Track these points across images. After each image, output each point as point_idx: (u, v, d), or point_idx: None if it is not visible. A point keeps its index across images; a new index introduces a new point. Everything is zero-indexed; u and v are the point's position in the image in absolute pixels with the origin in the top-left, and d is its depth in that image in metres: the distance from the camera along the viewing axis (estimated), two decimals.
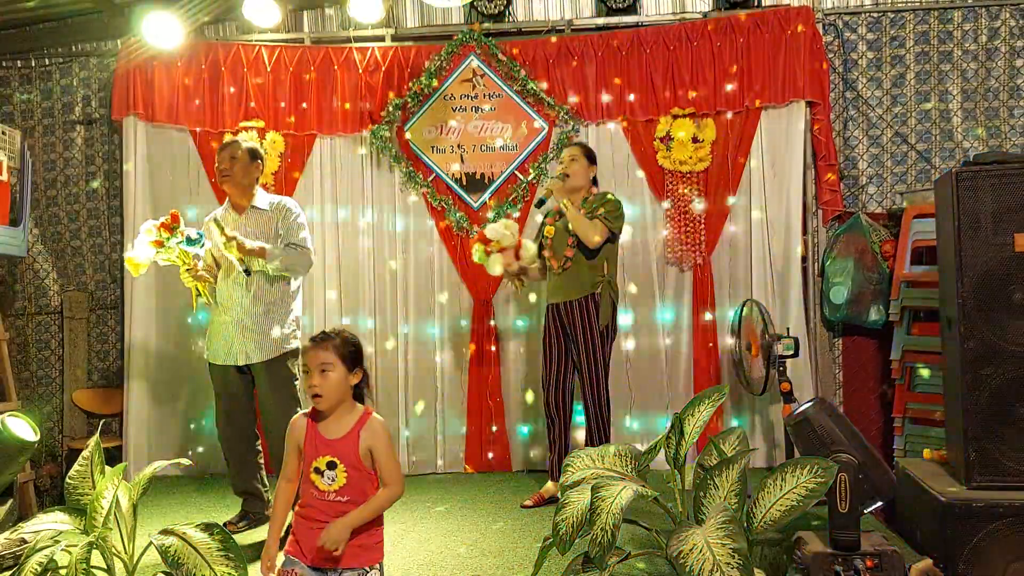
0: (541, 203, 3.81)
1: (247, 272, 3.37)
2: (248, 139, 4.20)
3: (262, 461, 3.66)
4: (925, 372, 4.12)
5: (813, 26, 4.41)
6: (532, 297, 4.57)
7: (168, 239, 3.27)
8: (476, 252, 3.80)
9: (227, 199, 3.58)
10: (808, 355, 4.38)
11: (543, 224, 3.87)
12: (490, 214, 4.57)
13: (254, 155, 3.55)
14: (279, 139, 4.64)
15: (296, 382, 3.55)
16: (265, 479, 3.66)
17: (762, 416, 4.45)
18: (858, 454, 2.61)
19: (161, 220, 3.30)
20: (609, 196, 3.72)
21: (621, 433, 4.45)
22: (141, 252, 3.31)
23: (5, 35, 4.85)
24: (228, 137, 4.56)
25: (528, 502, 3.78)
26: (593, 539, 2.10)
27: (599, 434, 3.70)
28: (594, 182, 3.84)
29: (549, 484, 3.81)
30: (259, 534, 3.48)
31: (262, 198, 3.56)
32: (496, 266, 3.74)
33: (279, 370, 3.47)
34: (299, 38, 4.79)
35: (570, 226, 3.65)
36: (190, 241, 3.30)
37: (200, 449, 4.68)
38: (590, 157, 3.81)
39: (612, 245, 3.75)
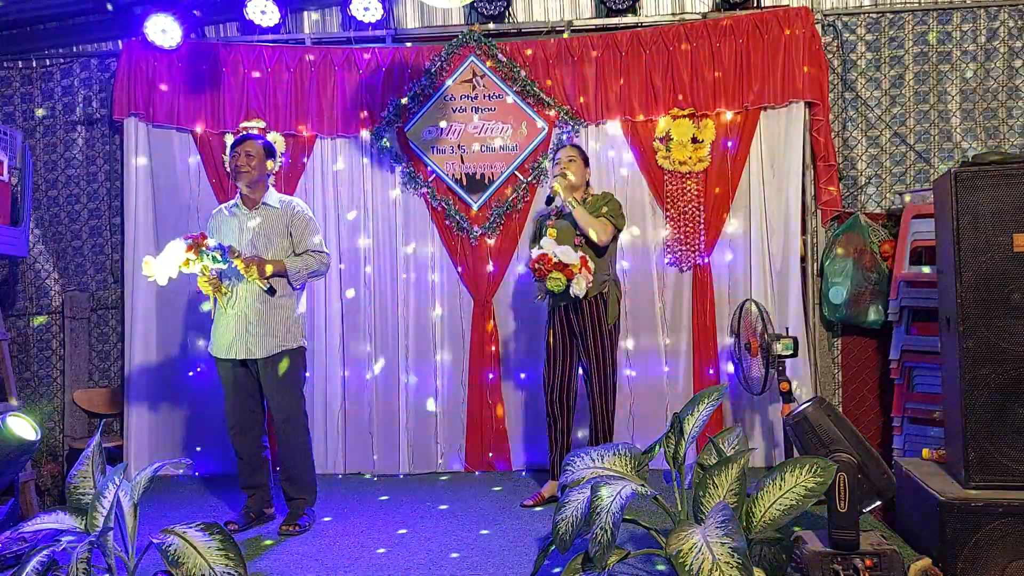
0: (550, 200, 3.78)
1: (271, 292, 3.43)
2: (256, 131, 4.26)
3: (269, 456, 3.69)
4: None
5: (812, 27, 4.41)
6: (532, 297, 4.58)
7: (195, 260, 3.31)
8: (558, 281, 3.53)
9: (237, 194, 3.63)
10: (807, 355, 4.39)
11: (543, 227, 3.87)
12: (490, 213, 4.59)
13: (269, 152, 3.62)
14: (279, 139, 4.65)
15: (302, 379, 3.58)
16: (269, 474, 3.69)
17: (761, 416, 4.46)
18: (857, 454, 2.61)
19: (189, 241, 3.31)
20: (611, 196, 3.80)
21: (620, 433, 4.45)
22: (163, 269, 3.34)
23: (6, 35, 4.86)
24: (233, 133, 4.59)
25: (528, 501, 3.79)
26: (593, 539, 2.11)
27: (604, 432, 3.72)
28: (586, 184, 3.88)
29: (550, 483, 3.82)
30: (260, 533, 3.49)
31: (273, 195, 3.62)
32: (583, 283, 3.56)
33: (281, 367, 3.49)
34: (300, 39, 4.80)
35: (578, 224, 3.66)
36: (214, 260, 3.35)
37: (200, 449, 4.68)
38: (585, 159, 3.87)
39: (614, 243, 3.80)
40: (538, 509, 3.73)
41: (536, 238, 3.92)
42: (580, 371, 3.82)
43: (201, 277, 3.40)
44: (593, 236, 3.63)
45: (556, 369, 3.78)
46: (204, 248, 3.29)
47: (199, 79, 4.67)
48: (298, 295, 3.59)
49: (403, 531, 3.50)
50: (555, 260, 3.54)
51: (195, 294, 4.64)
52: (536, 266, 3.58)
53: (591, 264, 3.61)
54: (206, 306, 4.54)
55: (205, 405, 4.68)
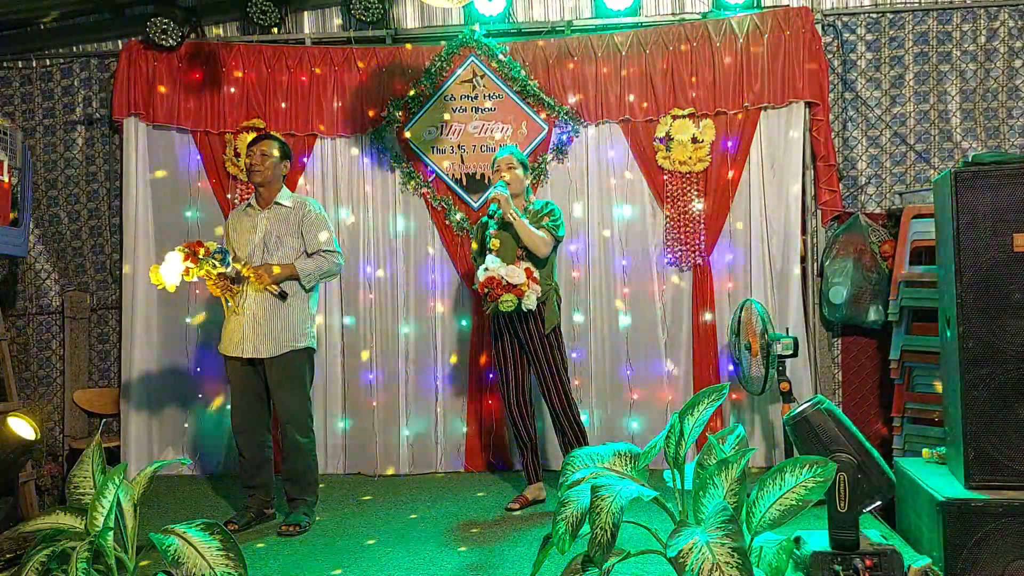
0: (493, 212, 3.80)
1: (283, 297, 3.45)
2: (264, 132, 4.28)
3: (272, 456, 3.69)
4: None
5: (812, 27, 4.42)
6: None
7: (194, 269, 3.35)
8: (509, 303, 3.53)
9: (253, 193, 3.66)
10: (807, 355, 4.39)
11: (487, 236, 3.84)
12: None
13: (285, 153, 3.66)
14: None
15: (309, 380, 3.59)
16: (271, 474, 3.69)
17: (762, 416, 4.46)
18: (857, 454, 2.61)
19: (185, 250, 3.35)
20: (551, 205, 3.79)
21: (621, 433, 4.46)
22: (168, 277, 3.37)
23: (6, 35, 4.86)
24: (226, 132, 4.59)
25: (513, 505, 3.77)
26: (593, 539, 2.11)
27: (574, 437, 3.71)
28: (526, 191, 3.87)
29: (531, 486, 3.82)
30: (260, 533, 3.49)
31: (286, 195, 3.65)
32: (533, 296, 3.58)
33: (289, 367, 3.50)
34: (300, 39, 4.80)
35: (520, 237, 3.65)
36: (214, 265, 3.38)
37: (200, 449, 4.68)
38: (525, 166, 3.85)
39: (554, 253, 3.79)
40: (537, 510, 3.72)
41: (480, 247, 3.88)
42: (533, 377, 3.81)
43: (209, 281, 3.42)
44: (533, 249, 3.64)
45: (508, 375, 3.78)
46: (201, 256, 3.31)
47: (199, 79, 4.67)
48: (310, 296, 3.60)
49: (403, 532, 3.50)
50: (504, 283, 3.55)
51: (198, 294, 4.67)
52: (486, 290, 3.58)
53: (536, 275, 3.63)
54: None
55: (205, 405, 4.68)
